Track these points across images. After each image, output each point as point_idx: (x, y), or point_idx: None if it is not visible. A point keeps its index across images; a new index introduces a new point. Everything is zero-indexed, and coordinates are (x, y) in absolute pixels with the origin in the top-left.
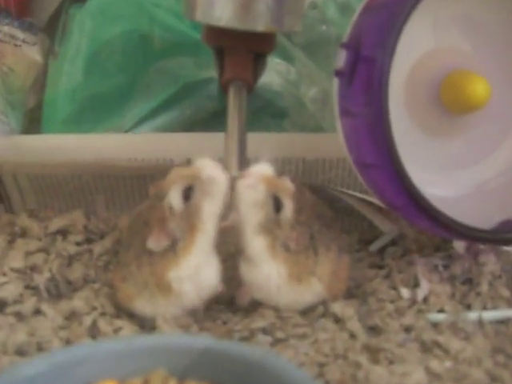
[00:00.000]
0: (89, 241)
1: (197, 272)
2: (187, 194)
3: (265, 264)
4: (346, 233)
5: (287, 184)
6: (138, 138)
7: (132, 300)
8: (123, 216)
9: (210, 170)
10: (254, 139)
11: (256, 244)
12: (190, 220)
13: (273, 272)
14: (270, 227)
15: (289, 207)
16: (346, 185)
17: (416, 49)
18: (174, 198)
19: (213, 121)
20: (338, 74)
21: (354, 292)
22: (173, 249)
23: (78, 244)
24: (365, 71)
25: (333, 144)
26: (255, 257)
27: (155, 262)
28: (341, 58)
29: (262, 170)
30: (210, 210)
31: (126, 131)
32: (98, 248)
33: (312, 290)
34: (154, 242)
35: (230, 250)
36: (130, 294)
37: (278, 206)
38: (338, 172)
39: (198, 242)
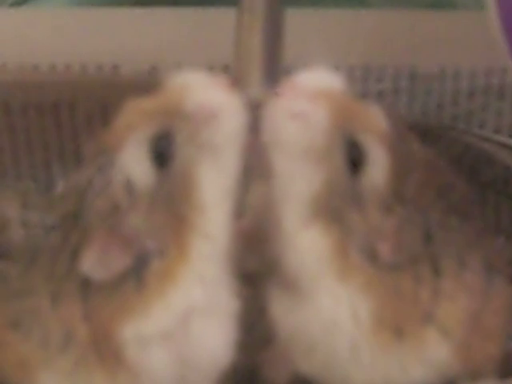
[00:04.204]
0: None
1: (184, 327)
2: (162, 150)
3: (324, 291)
4: (503, 231)
5: (375, 116)
6: (37, 18)
7: (30, 371)
8: (5, 195)
9: (206, 92)
10: (301, 23)
11: (306, 244)
12: (173, 208)
13: (341, 310)
14: (338, 207)
15: (380, 164)
16: (504, 128)
17: None
18: (135, 163)
19: None
20: None
21: None
22: (137, 274)
23: None
24: None
25: (474, 37)
26: (303, 275)
27: (95, 300)
28: None
29: (320, 80)
30: (214, 182)
31: (12, 5)
32: None
33: (426, 355)
34: (96, 262)
35: (247, 269)
36: (28, 359)
37: (355, 159)
38: (487, 99)
39: (192, 256)
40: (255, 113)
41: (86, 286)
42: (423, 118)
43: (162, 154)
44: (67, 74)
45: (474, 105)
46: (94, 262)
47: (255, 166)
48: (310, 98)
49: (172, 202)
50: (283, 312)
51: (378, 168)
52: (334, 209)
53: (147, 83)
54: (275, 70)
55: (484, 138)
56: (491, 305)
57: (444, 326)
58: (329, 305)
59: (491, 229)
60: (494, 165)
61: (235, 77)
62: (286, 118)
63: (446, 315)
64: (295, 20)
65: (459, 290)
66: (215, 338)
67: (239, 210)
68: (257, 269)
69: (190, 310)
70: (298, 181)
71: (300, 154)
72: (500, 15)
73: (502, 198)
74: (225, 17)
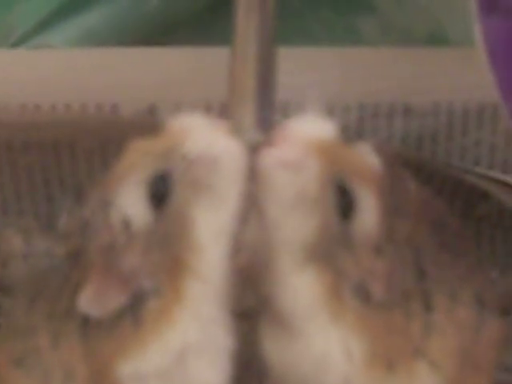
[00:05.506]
0: None
1: (180, 365)
2: (159, 191)
3: (317, 331)
4: (498, 264)
5: (366, 159)
6: (38, 58)
7: None
8: (7, 231)
9: (206, 136)
10: (296, 60)
11: (300, 287)
12: (169, 248)
13: (334, 348)
14: (330, 251)
15: (370, 208)
16: (498, 163)
17: None
18: (132, 203)
19: (204, 22)
20: None
21: None
22: (133, 312)
23: None
24: None
25: (466, 73)
26: (297, 315)
27: (93, 339)
28: None
29: (312, 128)
30: (210, 224)
31: (13, 45)
32: None
33: None
34: (93, 299)
35: (244, 305)
36: None
37: (346, 205)
38: (481, 134)
39: (188, 296)
40: (249, 158)
41: (85, 325)
42: (417, 153)
43: (159, 194)
44: (67, 114)
45: (467, 140)
46: (91, 299)
47: (251, 205)
48: (302, 147)
49: (168, 242)
50: (276, 348)
51: (368, 214)
52: (326, 253)
53: (146, 122)
54: (269, 112)
55: (478, 174)
56: (482, 339)
57: (435, 360)
58: (321, 343)
59: (486, 261)
60: (489, 198)
61: (231, 119)
62: (278, 168)
63: (437, 350)
64: (289, 58)
65: (450, 325)
66: (211, 375)
67: (236, 247)
68: (253, 305)
69: (186, 349)
70: (290, 227)
71: (291, 202)
72: (486, 49)
73: (497, 230)
74: (224, 55)
